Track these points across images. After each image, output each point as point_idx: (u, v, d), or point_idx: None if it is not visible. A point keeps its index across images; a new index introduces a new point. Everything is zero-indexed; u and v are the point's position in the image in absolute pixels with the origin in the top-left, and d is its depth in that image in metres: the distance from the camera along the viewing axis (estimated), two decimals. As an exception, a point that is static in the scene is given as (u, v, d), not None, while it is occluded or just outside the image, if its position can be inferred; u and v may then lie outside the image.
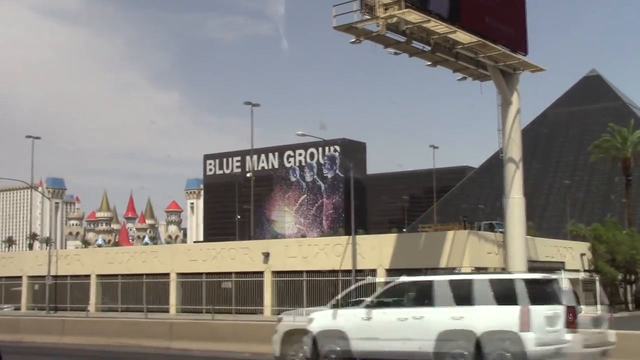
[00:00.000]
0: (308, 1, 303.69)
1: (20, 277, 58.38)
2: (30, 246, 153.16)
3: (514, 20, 43.30)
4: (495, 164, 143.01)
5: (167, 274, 51.04)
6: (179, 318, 40.59)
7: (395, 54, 39.98)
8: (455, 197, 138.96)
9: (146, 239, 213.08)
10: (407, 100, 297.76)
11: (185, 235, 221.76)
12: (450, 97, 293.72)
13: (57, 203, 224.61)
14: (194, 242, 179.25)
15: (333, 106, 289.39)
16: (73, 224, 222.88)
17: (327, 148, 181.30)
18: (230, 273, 48.70)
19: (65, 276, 55.81)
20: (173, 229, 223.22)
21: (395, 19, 35.82)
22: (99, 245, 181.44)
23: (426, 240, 43.10)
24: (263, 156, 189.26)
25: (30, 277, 57.93)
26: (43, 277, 56.03)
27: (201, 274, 49.83)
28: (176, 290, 50.65)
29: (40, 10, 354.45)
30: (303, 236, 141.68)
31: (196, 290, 50.19)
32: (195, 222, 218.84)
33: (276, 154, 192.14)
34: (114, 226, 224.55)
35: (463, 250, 40.93)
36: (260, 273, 47.48)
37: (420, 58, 40.84)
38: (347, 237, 45.30)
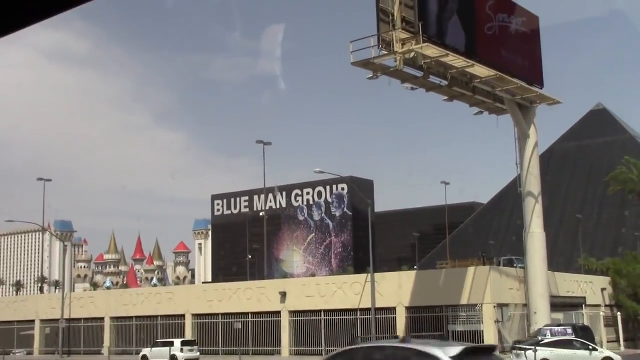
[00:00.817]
0: (306, 41, 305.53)
1: (33, 321, 57.51)
2: (41, 289, 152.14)
3: (528, 53, 43.10)
4: (505, 199, 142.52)
5: (183, 315, 50.19)
6: None
7: (412, 89, 39.72)
8: (465, 233, 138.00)
9: (154, 280, 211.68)
10: (411, 138, 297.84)
11: (193, 276, 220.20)
12: (455, 134, 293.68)
13: (65, 245, 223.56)
14: (203, 282, 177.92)
15: (339, 143, 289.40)
16: (81, 267, 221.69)
17: (334, 186, 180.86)
18: (246, 313, 47.85)
19: (79, 319, 54.97)
20: (181, 269, 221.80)
21: (412, 54, 35.63)
22: (107, 288, 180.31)
23: (446, 276, 42.30)
24: (270, 195, 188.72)
25: (44, 321, 57.08)
26: (56, 320, 55.18)
27: (217, 314, 48.99)
28: (192, 332, 49.73)
29: (49, 55, 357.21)
30: (312, 275, 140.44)
31: (212, 330, 49.28)
32: (203, 263, 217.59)
33: (284, 193, 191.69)
34: (122, 268, 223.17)
35: (484, 286, 40.12)
36: (277, 313, 46.64)
37: (437, 93, 40.58)
38: (365, 274, 44.52)
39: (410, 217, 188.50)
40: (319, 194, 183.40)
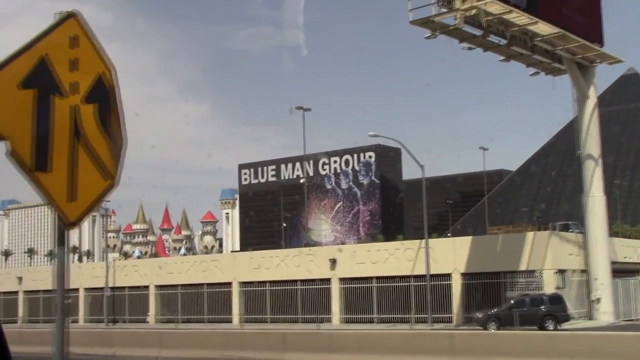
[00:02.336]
0: (329, 9, 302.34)
1: (77, 290, 57.05)
2: (80, 259, 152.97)
3: (589, 11, 41.29)
4: (534, 166, 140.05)
5: (229, 283, 49.38)
6: (291, 328, 38.89)
7: (470, 48, 38.19)
8: (494, 201, 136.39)
9: (182, 250, 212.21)
10: (438, 106, 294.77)
11: (221, 245, 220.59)
12: (485, 99, 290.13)
13: (94, 216, 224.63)
14: (231, 251, 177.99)
15: (366, 110, 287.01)
16: (111, 237, 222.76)
17: (362, 155, 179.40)
18: (295, 281, 46.93)
19: (123, 287, 54.42)
20: (209, 239, 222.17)
21: (474, 11, 34.07)
22: (138, 257, 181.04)
23: (503, 242, 41.00)
24: (298, 164, 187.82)
25: (88, 289, 56.59)
26: (100, 288, 54.75)
27: (265, 282, 48.10)
28: (239, 300, 48.98)
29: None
30: (342, 243, 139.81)
31: (260, 299, 48.47)
32: (230, 232, 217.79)
33: (311, 161, 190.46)
34: (150, 238, 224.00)
35: (544, 252, 38.78)
36: (327, 280, 45.66)
37: (495, 52, 39.02)
38: (418, 241, 43.34)
39: (438, 185, 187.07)
40: (347, 162, 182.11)
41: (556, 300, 35.69)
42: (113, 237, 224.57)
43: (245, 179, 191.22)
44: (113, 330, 34.81)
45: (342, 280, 45.19)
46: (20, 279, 59.89)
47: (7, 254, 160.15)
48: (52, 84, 5.87)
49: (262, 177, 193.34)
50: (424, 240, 42.19)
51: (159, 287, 52.86)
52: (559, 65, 41.03)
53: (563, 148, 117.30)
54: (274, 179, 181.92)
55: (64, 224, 5.97)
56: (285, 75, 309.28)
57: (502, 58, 39.65)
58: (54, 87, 5.86)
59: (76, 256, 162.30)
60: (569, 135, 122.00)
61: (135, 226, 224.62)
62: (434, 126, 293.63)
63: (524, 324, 32.73)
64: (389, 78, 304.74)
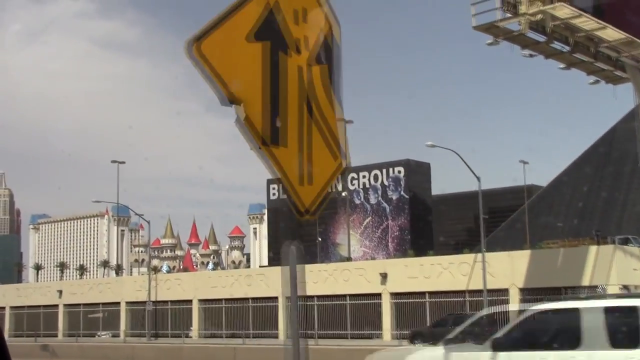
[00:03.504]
0: (350, 21, 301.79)
1: (118, 303, 56.11)
2: (116, 273, 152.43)
3: (653, 17, 39.70)
4: (566, 181, 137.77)
5: (275, 298, 48.10)
6: (342, 344, 37.70)
7: (531, 55, 36.79)
8: (523, 216, 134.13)
9: (210, 265, 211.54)
10: (468, 122, 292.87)
11: (248, 260, 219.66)
12: (512, 117, 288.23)
13: (122, 231, 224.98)
14: (260, 266, 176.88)
15: (394, 126, 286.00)
16: (139, 251, 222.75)
17: (390, 169, 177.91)
18: (344, 295, 45.59)
19: (166, 301, 53.34)
20: (236, 254, 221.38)
21: (541, 16, 32.76)
22: (167, 271, 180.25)
23: (565, 256, 39.39)
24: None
25: (129, 303, 55.58)
26: (142, 302, 53.67)
27: (312, 297, 46.75)
28: (284, 315, 47.58)
29: (101, 44, 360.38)
30: (372, 258, 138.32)
31: (307, 314, 47.09)
32: (258, 247, 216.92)
33: (339, 176, 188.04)
34: (178, 252, 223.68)
35: (609, 266, 37.10)
36: (378, 295, 44.27)
37: (557, 60, 37.58)
38: (473, 254, 41.90)
39: (467, 200, 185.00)
40: (375, 177, 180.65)
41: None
42: (141, 251, 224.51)
43: (274, 194, 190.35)
44: (184, 345, 33.57)
45: (394, 295, 43.78)
46: (60, 292, 59.08)
47: (38, 267, 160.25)
48: (280, 38, 4.61)
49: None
50: (479, 254, 40.68)
51: (203, 301, 51.72)
52: (621, 74, 39.50)
53: (595, 162, 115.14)
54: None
55: (298, 213, 4.70)
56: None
57: (563, 66, 38.21)
58: (281, 42, 4.60)
59: (105, 270, 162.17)
60: (601, 149, 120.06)
61: (164, 241, 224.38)
62: (464, 139, 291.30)
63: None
64: (417, 91, 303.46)
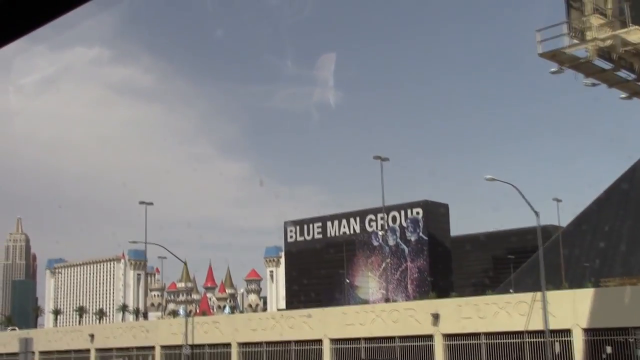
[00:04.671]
0: (360, 69, 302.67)
1: (152, 347, 54.03)
2: (143, 315, 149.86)
3: None
4: (586, 221, 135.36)
5: (319, 340, 46.02)
6: None
7: (593, 85, 35.29)
8: (544, 257, 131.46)
9: (227, 309, 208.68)
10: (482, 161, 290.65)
11: (265, 303, 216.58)
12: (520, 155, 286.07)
13: (138, 274, 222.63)
14: (278, 310, 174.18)
15: (408, 168, 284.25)
16: (155, 295, 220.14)
17: (409, 211, 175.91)
18: (392, 337, 43.46)
19: (203, 345, 51.25)
20: (253, 297, 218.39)
21: (609, 42, 31.31)
22: (188, 315, 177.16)
23: (633, 294, 37.28)
24: (344, 221, 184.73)
25: (164, 347, 53.52)
26: (178, 346, 51.64)
27: (358, 339, 44.68)
28: (330, 358, 45.50)
29: (117, 90, 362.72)
30: (388, 300, 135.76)
31: (353, 356, 44.96)
32: (275, 290, 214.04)
33: (357, 218, 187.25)
34: (194, 296, 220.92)
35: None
36: (429, 337, 42.14)
37: (620, 89, 36.04)
38: (531, 293, 39.80)
39: (484, 241, 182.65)
40: (394, 218, 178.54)
41: None
42: (157, 295, 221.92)
43: (291, 236, 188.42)
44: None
45: (446, 336, 41.64)
46: (92, 336, 57.06)
47: (57, 312, 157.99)
48: None
49: (309, 234, 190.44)
50: (538, 293, 38.71)
51: (242, 344, 49.62)
52: (683, 104, 37.90)
53: (615, 202, 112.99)
54: (319, 236, 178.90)
55: None
56: (322, 134, 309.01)
57: (625, 95, 36.64)
58: None
59: (123, 314, 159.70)
60: (623, 186, 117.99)
61: (180, 284, 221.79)
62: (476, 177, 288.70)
63: None
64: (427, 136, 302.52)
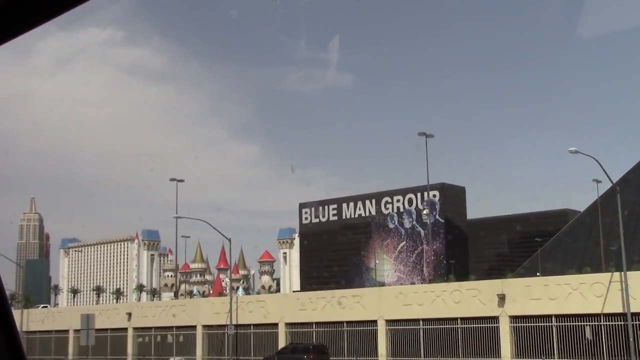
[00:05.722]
0: (372, 52, 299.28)
1: (194, 327, 51.82)
2: (157, 295, 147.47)
3: None
4: (605, 205, 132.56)
5: (374, 321, 43.75)
6: None
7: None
8: (562, 241, 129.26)
9: (240, 290, 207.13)
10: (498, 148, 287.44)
11: (278, 285, 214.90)
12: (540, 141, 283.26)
13: (152, 255, 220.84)
14: (293, 291, 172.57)
15: (419, 152, 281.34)
16: (168, 276, 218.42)
17: (425, 193, 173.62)
18: (454, 319, 41.16)
19: (248, 325, 49.02)
20: (266, 279, 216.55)
21: None
22: (197, 296, 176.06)
23: None
24: (360, 203, 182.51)
25: (206, 327, 51.31)
26: (220, 326, 49.47)
27: (417, 320, 42.38)
28: (385, 339, 43.24)
29: (128, 71, 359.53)
30: (412, 283, 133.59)
31: (411, 338, 42.71)
32: (288, 272, 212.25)
33: (373, 200, 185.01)
34: (207, 277, 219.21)
35: None
36: (494, 318, 39.81)
37: None
38: (608, 274, 37.42)
39: (501, 224, 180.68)
40: (410, 201, 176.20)
41: (319, 349, 40.51)
42: (171, 275, 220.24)
43: (306, 218, 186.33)
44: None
45: (514, 318, 39.31)
46: (129, 315, 54.86)
47: (75, 291, 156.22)
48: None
49: (324, 216, 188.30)
50: (616, 274, 36.34)
51: (290, 324, 47.38)
52: None
53: (635, 185, 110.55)
54: (335, 217, 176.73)
55: None
56: (335, 115, 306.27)
57: None
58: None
59: (139, 294, 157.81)
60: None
61: (193, 265, 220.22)
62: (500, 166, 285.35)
63: None
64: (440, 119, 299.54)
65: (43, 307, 79.38)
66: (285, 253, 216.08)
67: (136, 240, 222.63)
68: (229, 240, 51.14)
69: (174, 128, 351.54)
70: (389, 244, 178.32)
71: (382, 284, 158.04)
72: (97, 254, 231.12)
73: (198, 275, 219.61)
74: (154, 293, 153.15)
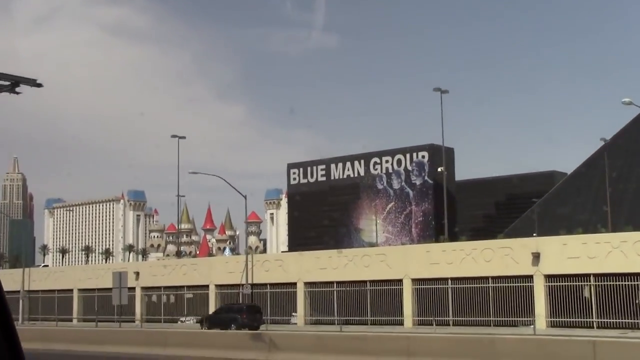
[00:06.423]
0: (356, 13, 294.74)
1: (206, 286, 49.75)
2: (144, 256, 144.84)
3: None
4: (594, 167, 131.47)
5: (399, 280, 41.94)
6: (481, 332, 31.38)
7: None
8: (550, 203, 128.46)
9: (227, 250, 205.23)
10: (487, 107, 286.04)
11: (265, 245, 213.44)
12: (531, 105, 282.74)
13: (138, 215, 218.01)
14: (282, 252, 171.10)
15: (411, 114, 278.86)
16: (154, 236, 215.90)
17: (414, 154, 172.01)
18: (486, 278, 39.45)
19: (264, 284, 47.04)
20: (253, 239, 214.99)
21: None
22: (184, 257, 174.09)
23: None
24: (348, 164, 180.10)
25: (219, 286, 49.26)
26: (235, 285, 47.48)
27: (445, 279, 40.65)
28: (411, 299, 41.51)
29: (111, 31, 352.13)
30: (402, 244, 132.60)
31: (439, 298, 41.01)
32: (275, 232, 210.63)
33: (362, 161, 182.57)
34: (194, 238, 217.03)
35: None
36: (528, 277, 38.15)
37: None
38: (655, 231, 35.81)
39: (487, 186, 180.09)
40: (399, 162, 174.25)
41: (252, 310, 41.51)
42: (157, 236, 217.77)
43: (294, 179, 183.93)
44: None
45: (549, 277, 37.67)
46: (137, 274, 52.55)
47: (64, 251, 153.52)
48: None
49: (312, 176, 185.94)
50: (660, 232, 34.69)
51: (310, 284, 45.47)
52: None
53: (623, 147, 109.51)
54: (323, 178, 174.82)
55: None
56: (319, 76, 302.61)
57: None
58: None
59: (129, 254, 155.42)
60: (630, 134, 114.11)
61: (180, 226, 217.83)
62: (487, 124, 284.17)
63: (223, 327, 37.28)
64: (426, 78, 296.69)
65: (44, 266, 76.82)
66: (272, 214, 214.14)
67: (122, 201, 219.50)
68: (245, 197, 48.90)
69: (158, 88, 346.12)
70: (377, 205, 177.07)
71: (373, 245, 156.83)
72: (82, 215, 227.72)
73: (185, 236, 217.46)
74: (144, 253, 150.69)
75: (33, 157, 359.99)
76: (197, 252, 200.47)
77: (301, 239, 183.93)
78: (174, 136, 69.03)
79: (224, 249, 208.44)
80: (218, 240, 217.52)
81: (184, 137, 70.01)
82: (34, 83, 13.41)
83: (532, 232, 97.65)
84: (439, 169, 73.55)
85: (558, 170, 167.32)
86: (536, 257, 37.81)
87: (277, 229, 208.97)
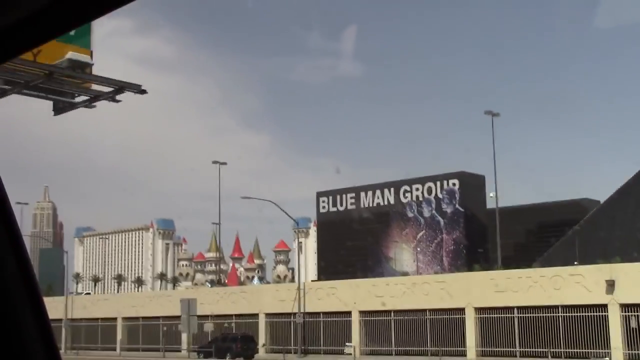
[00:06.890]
0: (382, 41, 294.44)
1: (256, 315, 48.05)
2: (175, 284, 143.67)
3: None
4: (627, 194, 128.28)
5: (461, 309, 39.99)
6: None
7: None
8: (582, 231, 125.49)
9: (255, 280, 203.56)
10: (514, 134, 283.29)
11: (293, 274, 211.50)
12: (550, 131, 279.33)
13: (167, 244, 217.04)
14: (312, 280, 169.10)
15: (432, 143, 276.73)
16: (183, 265, 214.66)
17: (445, 182, 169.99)
18: (555, 307, 37.40)
19: (317, 313, 45.26)
20: (281, 268, 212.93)
21: None
22: (211, 286, 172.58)
23: None
24: (378, 192, 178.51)
25: (269, 315, 47.54)
26: (286, 314, 45.74)
27: (510, 308, 38.65)
28: (474, 329, 39.50)
29: (137, 60, 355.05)
30: (435, 273, 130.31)
31: (503, 328, 38.97)
32: (304, 261, 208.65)
33: (392, 189, 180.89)
34: (222, 267, 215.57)
35: None
36: (602, 307, 36.06)
37: None
38: None
39: (516, 214, 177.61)
40: (429, 190, 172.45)
41: (246, 339, 43.66)
42: (186, 265, 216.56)
43: (324, 207, 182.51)
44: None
45: (625, 307, 35.55)
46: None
47: (96, 279, 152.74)
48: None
49: (341, 205, 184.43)
50: None
51: (364, 312, 43.62)
52: None
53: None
54: (352, 207, 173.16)
55: None
56: (343, 106, 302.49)
57: None
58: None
59: (161, 282, 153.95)
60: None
61: (208, 255, 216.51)
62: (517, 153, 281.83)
63: (218, 356, 40.30)
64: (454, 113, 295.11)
65: (86, 294, 75.59)
66: (300, 242, 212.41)
67: (151, 229, 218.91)
68: (296, 222, 47.46)
69: (183, 117, 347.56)
70: (408, 233, 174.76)
71: (405, 274, 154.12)
72: (112, 243, 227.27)
73: (213, 265, 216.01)
74: (175, 282, 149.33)
75: (63, 186, 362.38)
76: (226, 282, 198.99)
77: (331, 267, 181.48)
78: (215, 162, 67.94)
79: (253, 277, 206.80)
80: (246, 269, 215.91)
81: (225, 163, 68.88)
82: (138, 89, 12.04)
83: (569, 260, 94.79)
84: (490, 195, 71.13)
85: (588, 198, 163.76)
86: (610, 285, 35.75)
87: (306, 258, 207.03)
